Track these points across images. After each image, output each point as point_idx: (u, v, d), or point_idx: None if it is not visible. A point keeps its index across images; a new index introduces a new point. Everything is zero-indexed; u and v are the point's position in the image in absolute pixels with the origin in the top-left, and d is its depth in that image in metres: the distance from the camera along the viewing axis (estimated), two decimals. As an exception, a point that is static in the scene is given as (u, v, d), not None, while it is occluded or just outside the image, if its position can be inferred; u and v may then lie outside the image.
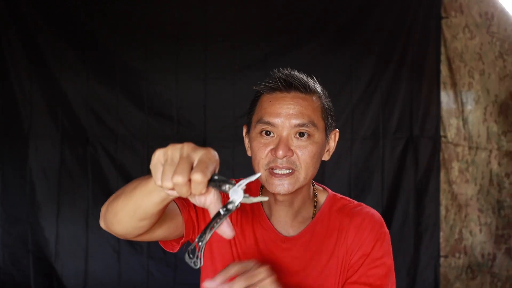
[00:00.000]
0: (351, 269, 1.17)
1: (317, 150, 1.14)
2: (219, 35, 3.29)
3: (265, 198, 0.80)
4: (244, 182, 0.76)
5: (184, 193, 0.72)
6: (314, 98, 1.16)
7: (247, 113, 1.22)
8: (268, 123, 1.13)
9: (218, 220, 0.77)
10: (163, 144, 0.78)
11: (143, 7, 3.31)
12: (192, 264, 0.80)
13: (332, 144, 1.22)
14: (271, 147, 1.13)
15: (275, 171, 1.12)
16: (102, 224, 1.01)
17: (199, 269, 1.29)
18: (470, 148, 3.33)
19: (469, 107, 3.35)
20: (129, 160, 3.30)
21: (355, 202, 1.27)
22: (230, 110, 3.25)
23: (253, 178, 0.78)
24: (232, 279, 0.98)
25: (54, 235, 3.26)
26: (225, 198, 0.80)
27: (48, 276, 3.25)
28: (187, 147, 0.74)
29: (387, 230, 1.21)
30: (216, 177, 0.74)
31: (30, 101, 3.27)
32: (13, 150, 3.32)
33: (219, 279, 0.97)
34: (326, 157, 1.22)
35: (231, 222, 1.22)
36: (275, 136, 1.13)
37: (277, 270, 1.18)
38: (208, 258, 1.23)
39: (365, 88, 3.29)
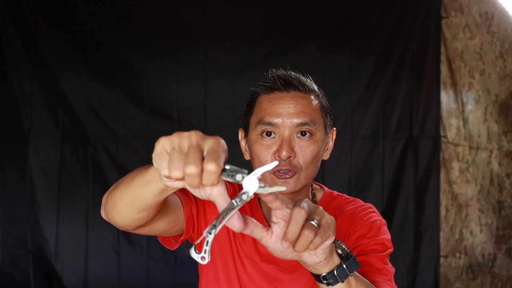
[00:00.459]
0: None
1: (318, 150, 1.15)
2: (219, 35, 3.30)
3: (283, 188, 0.73)
4: (259, 171, 0.71)
5: (195, 184, 0.67)
6: (312, 96, 1.16)
7: (243, 115, 1.21)
8: (269, 123, 1.12)
9: (230, 212, 0.72)
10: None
11: (143, 7, 3.31)
12: (199, 260, 0.75)
13: (331, 143, 1.23)
14: (274, 149, 1.12)
15: (279, 172, 1.12)
16: (102, 214, 0.99)
17: (198, 269, 1.29)
18: (470, 148, 3.33)
19: (469, 107, 3.35)
20: (129, 160, 3.30)
21: (351, 198, 1.27)
22: (230, 110, 3.25)
23: (269, 167, 0.74)
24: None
25: (54, 235, 3.26)
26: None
27: (48, 276, 3.25)
28: (195, 135, 0.69)
29: (383, 219, 1.21)
30: (227, 167, 0.70)
31: (30, 101, 3.27)
32: (13, 150, 3.31)
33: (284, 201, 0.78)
34: (325, 156, 1.22)
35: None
36: (277, 137, 1.13)
37: (275, 268, 1.19)
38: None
39: (365, 88, 3.29)
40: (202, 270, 1.24)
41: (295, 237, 0.74)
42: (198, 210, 1.17)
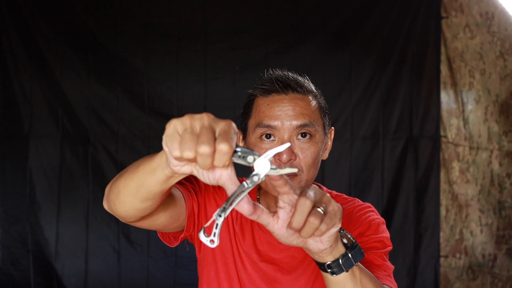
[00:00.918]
0: None
1: (318, 151, 1.15)
2: (219, 35, 3.30)
3: (294, 170, 0.75)
4: (271, 153, 0.71)
5: (207, 164, 0.67)
6: (310, 97, 1.16)
7: (240, 118, 1.21)
8: (268, 126, 1.12)
9: (240, 194, 0.71)
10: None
11: (143, 7, 3.31)
12: (208, 243, 0.74)
13: (329, 142, 1.23)
14: None
15: None
16: (105, 204, 0.98)
17: (198, 270, 1.29)
18: (470, 148, 3.33)
19: (469, 107, 3.35)
20: (130, 160, 3.28)
21: (349, 197, 1.27)
22: (230, 110, 3.25)
23: (282, 148, 0.74)
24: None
25: (54, 235, 3.26)
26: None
27: (48, 276, 3.25)
28: (207, 117, 0.71)
29: (381, 218, 1.21)
30: (238, 149, 0.70)
31: (31, 101, 3.27)
32: (13, 150, 3.32)
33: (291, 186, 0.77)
34: (324, 156, 1.22)
35: (231, 219, 1.23)
36: (276, 139, 1.12)
37: (274, 268, 1.19)
38: (210, 255, 1.22)
39: (365, 88, 3.29)
40: (202, 270, 1.24)
41: (299, 227, 0.74)
42: (199, 207, 1.17)
